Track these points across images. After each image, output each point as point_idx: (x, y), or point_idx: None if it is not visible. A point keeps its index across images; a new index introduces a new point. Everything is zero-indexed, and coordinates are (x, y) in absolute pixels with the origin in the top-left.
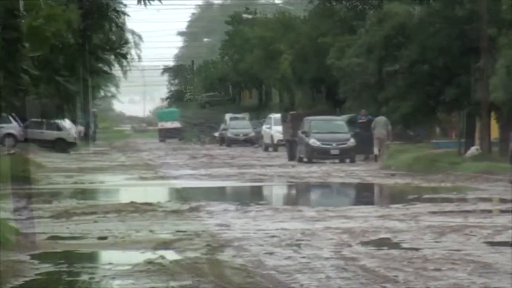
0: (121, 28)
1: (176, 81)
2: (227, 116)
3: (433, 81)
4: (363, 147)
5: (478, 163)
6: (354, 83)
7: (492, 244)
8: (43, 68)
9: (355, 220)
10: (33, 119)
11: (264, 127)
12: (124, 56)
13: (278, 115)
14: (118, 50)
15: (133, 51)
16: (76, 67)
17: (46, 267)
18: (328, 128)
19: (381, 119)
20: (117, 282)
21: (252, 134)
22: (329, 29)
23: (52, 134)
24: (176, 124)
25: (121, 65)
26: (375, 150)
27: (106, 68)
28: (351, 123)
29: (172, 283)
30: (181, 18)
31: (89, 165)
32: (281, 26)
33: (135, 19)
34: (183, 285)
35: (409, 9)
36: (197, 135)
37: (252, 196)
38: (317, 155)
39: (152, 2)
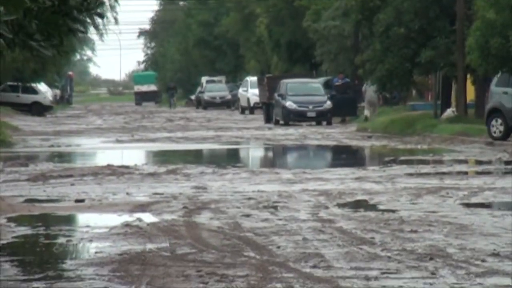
0: None
1: (153, 44)
2: (204, 79)
3: (409, 43)
4: (339, 110)
5: (454, 125)
6: (330, 46)
7: (468, 205)
8: (17, 32)
9: (332, 182)
10: (8, 83)
11: (241, 90)
12: (101, 15)
13: (254, 78)
14: (94, 11)
15: (109, 14)
16: (51, 31)
17: (23, 230)
18: (305, 90)
19: None
20: (94, 244)
21: (229, 97)
22: None
23: (28, 98)
24: (153, 88)
25: (97, 28)
26: (366, 112)
27: (81, 29)
28: (327, 85)
29: (149, 246)
30: None
31: (65, 128)
32: None
33: None
34: (160, 247)
35: None
36: (167, 99)
37: (228, 159)
38: (294, 118)
39: None
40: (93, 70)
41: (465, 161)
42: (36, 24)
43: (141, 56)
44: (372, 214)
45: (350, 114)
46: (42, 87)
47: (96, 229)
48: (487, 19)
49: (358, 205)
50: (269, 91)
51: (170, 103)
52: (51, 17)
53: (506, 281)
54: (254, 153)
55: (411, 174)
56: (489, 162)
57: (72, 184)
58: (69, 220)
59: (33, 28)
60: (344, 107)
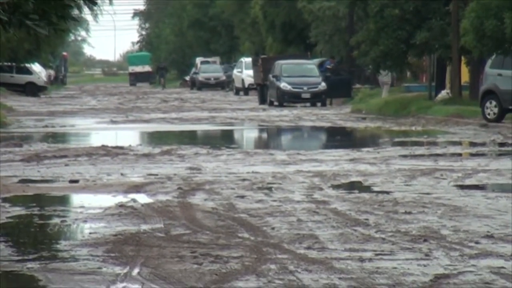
0: None
1: (147, 25)
2: (198, 60)
3: (404, 25)
4: (334, 91)
5: (448, 106)
6: (325, 27)
7: (462, 187)
8: (13, 12)
9: (326, 164)
10: (3, 63)
11: (235, 71)
12: (94, 2)
13: (249, 59)
14: None
15: None
16: (46, 11)
17: (17, 210)
18: (299, 72)
19: None
20: (88, 225)
21: (223, 78)
22: None
23: (22, 78)
24: (147, 68)
25: (91, 9)
26: (384, 93)
27: (76, 12)
28: (322, 67)
29: (143, 226)
30: None
31: (59, 108)
32: None
33: None
34: (154, 228)
35: None
36: (158, 79)
37: (223, 140)
38: (288, 99)
39: None
40: (87, 50)
41: (459, 143)
42: (32, 3)
43: (135, 37)
44: (366, 195)
45: (345, 96)
46: (36, 67)
47: (91, 209)
48: (482, 1)
49: (352, 186)
50: (264, 72)
51: (160, 83)
52: None
53: (499, 262)
54: (249, 134)
55: (405, 156)
56: (483, 144)
57: (67, 165)
58: (63, 200)
59: (29, 8)
60: (338, 88)
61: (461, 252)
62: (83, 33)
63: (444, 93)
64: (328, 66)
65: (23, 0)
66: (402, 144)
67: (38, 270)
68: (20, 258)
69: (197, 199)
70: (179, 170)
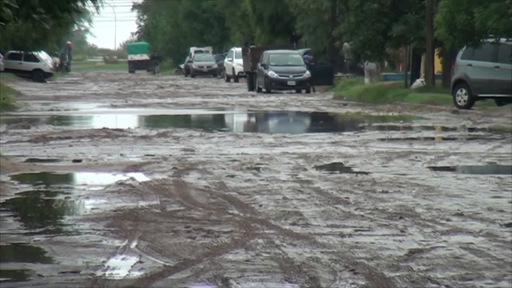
0: None
1: (145, 17)
2: (192, 49)
3: (382, 18)
4: (317, 79)
5: (423, 94)
6: (309, 19)
7: (434, 169)
8: (21, 5)
9: (310, 146)
10: (12, 51)
11: (226, 59)
12: None
13: (239, 49)
14: None
15: None
16: (51, 5)
17: (25, 187)
18: (285, 61)
19: None
20: (90, 201)
21: (215, 66)
22: None
23: (30, 65)
24: (145, 57)
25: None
26: (366, 80)
27: (80, 4)
28: (306, 56)
29: (141, 203)
30: None
31: (64, 93)
32: None
33: None
34: (151, 204)
35: None
36: (152, 67)
37: (215, 123)
38: (275, 86)
39: None
40: (90, 40)
41: (432, 128)
42: None
43: (134, 28)
44: (347, 175)
45: (327, 83)
46: (43, 55)
47: (92, 187)
48: None
49: (334, 167)
50: (253, 61)
51: (154, 71)
52: None
53: (468, 239)
54: (238, 118)
55: (383, 139)
56: (454, 129)
57: (70, 146)
58: (67, 178)
59: (35, 2)
60: (321, 76)
61: (434, 228)
62: (86, 24)
63: (418, 82)
64: (307, 61)
65: None
66: (380, 128)
67: (44, 242)
68: (27, 231)
69: (191, 178)
70: (174, 151)
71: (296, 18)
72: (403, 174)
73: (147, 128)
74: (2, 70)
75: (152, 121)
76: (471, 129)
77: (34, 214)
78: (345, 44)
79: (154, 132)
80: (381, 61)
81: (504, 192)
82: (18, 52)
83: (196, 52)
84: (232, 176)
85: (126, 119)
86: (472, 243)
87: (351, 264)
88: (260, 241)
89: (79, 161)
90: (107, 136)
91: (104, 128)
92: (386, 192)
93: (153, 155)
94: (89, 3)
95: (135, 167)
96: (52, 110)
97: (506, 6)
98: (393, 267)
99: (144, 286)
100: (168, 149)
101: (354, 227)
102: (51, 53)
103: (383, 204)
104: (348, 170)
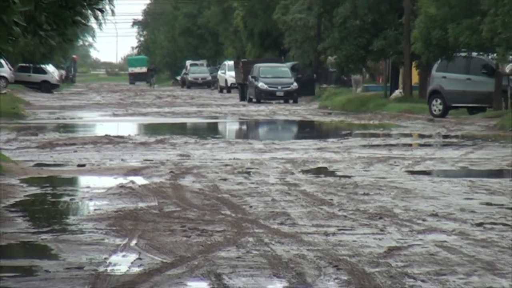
0: None
1: (144, 32)
2: (188, 62)
3: (363, 34)
4: (301, 90)
5: (401, 104)
6: (296, 35)
7: (412, 173)
8: (29, 22)
9: (297, 152)
10: (21, 64)
11: (220, 72)
12: (101, 10)
13: (231, 62)
14: (95, 6)
15: (107, 7)
16: (57, 23)
17: (33, 190)
18: (274, 73)
19: None
20: (93, 203)
21: (209, 78)
22: None
23: (38, 77)
24: (145, 69)
25: (96, 19)
26: (354, 89)
27: (84, 21)
28: (293, 69)
29: (140, 204)
30: None
31: (69, 103)
32: None
33: None
34: (150, 206)
35: None
36: (147, 79)
37: (208, 131)
38: (265, 96)
39: None
40: (93, 54)
41: (409, 135)
42: (45, 16)
43: (134, 43)
44: (331, 179)
45: (309, 94)
46: (50, 68)
47: (95, 189)
48: (429, 14)
49: (319, 171)
50: (244, 73)
51: (150, 82)
52: (58, 10)
53: (442, 237)
54: (231, 126)
55: (364, 146)
56: (429, 136)
57: (75, 151)
58: (72, 181)
59: (42, 20)
60: (305, 87)
61: (411, 228)
62: (90, 39)
63: (397, 93)
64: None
65: (37, 12)
66: (361, 135)
67: (51, 241)
68: (35, 230)
69: (186, 181)
70: (171, 157)
71: (284, 33)
72: (383, 178)
73: (146, 135)
74: (12, 82)
75: (150, 129)
76: (445, 136)
77: (42, 214)
78: (329, 57)
79: (152, 139)
80: (362, 74)
81: (475, 194)
82: (27, 65)
83: (191, 65)
84: (225, 179)
85: (127, 127)
86: (446, 241)
87: (334, 261)
88: (251, 239)
89: (83, 165)
90: (109, 143)
91: (106, 135)
92: (367, 194)
93: (152, 160)
94: (93, 20)
95: (135, 171)
96: (58, 118)
97: (477, 23)
98: (373, 263)
99: (143, 281)
100: (165, 155)
101: (338, 226)
102: (57, 66)
103: (364, 205)
104: (332, 174)
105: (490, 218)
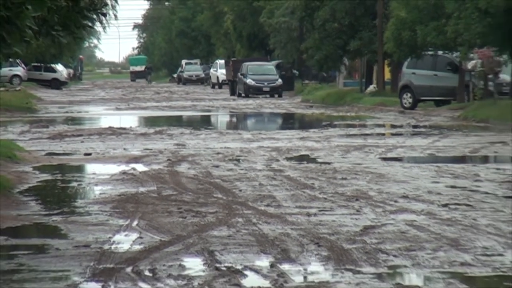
0: None
1: (144, 35)
2: (183, 61)
3: (341, 35)
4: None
5: (375, 97)
6: (281, 36)
7: (385, 159)
8: (42, 25)
9: (282, 141)
10: (34, 64)
11: (212, 70)
12: (105, 14)
13: (222, 61)
14: (99, 11)
15: (110, 12)
16: (67, 24)
17: (45, 176)
18: (261, 71)
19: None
20: (99, 187)
21: (203, 75)
22: None
23: (48, 75)
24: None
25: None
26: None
27: (90, 24)
28: (278, 67)
29: (141, 188)
30: None
31: (76, 98)
32: None
33: None
34: (149, 190)
35: None
36: (144, 76)
37: (202, 123)
38: (252, 92)
39: None
40: (98, 54)
41: (383, 125)
42: (57, 18)
43: (135, 44)
44: (312, 165)
45: (289, 89)
46: (59, 67)
47: (100, 175)
48: (400, 17)
49: (301, 158)
50: (234, 71)
51: (146, 79)
52: (67, 13)
53: (412, 217)
54: (222, 118)
55: (342, 135)
56: (401, 126)
57: (82, 142)
58: (79, 169)
59: (54, 21)
60: (285, 84)
61: (384, 208)
62: (95, 41)
63: (371, 87)
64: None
65: (50, 15)
66: (339, 126)
67: (61, 222)
68: (47, 213)
69: (182, 168)
70: (168, 146)
71: (269, 35)
72: (359, 164)
73: (146, 127)
74: (25, 80)
75: (150, 121)
76: (414, 126)
77: (52, 198)
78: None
79: (151, 130)
80: (341, 71)
81: (441, 178)
82: (39, 64)
83: (186, 63)
84: (217, 166)
85: (128, 119)
86: (415, 220)
87: (315, 238)
88: (240, 220)
89: (89, 154)
90: (112, 134)
91: (110, 127)
92: (345, 178)
93: (151, 149)
94: (98, 24)
95: (136, 159)
96: (66, 112)
97: (443, 25)
98: (350, 241)
99: (144, 257)
100: (163, 144)
101: (318, 207)
102: (66, 65)
103: (342, 188)
104: (313, 160)
105: (455, 200)
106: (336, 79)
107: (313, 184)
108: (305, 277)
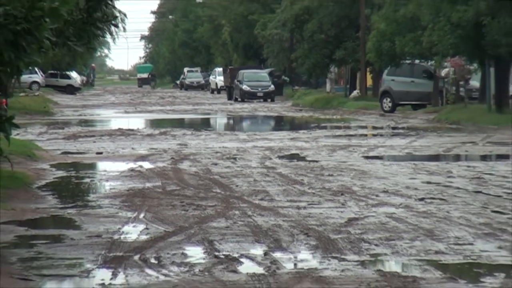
0: (113, 7)
1: (150, 45)
2: (185, 69)
3: (327, 45)
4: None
5: (358, 102)
6: (273, 47)
7: (367, 157)
8: (59, 36)
9: (274, 141)
10: (51, 71)
11: (211, 77)
12: (116, 25)
13: (220, 69)
14: (110, 23)
15: (120, 25)
16: (82, 35)
17: (61, 173)
18: (256, 78)
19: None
20: (109, 183)
21: (203, 82)
22: (256, 9)
23: (64, 82)
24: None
25: (111, 34)
26: (327, 87)
27: (102, 35)
28: (271, 74)
29: (147, 184)
30: (154, 1)
31: (89, 103)
32: (223, 7)
33: (121, 2)
34: (155, 185)
35: None
36: (149, 83)
37: (202, 125)
38: (248, 96)
39: None
40: (109, 62)
41: (365, 127)
42: (72, 29)
43: (142, 53)
44: (302, 163)
45: (279, 94)
46: (73, 74)
47: (111, 172)
48: (380, 29)
49: (292, 157)
50: (231, 78)
51: (151, 85)
52: (82, 25)
53: (392, 210)
54: (220, 121)
55: (328, 136)
56: (381, 128)
57: (94, 142)
58: (92, 166)
59: (70, 33)
60: (277, 89)
61: (366, 202)
62: (106, 50)
63: (355, 93)
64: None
65: (66, 27)
66: (326, 127)
67: (75, 214)
68: (62, 206)
69: (185, 165)
70: (172, 146)
71: (263, 45)
72: (344, 162)
73: (151, 128)
74: (43, 86)
75: (155, 123)
76: (394, 128)
77: (67, 193)
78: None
79: (157, 132)
80: (326, 78)
81: (418, 174)
82: (55, 72)
83: (188, 71)
84: (216, 164)
85: (136, 121)
86: (394, 213)
87: (305, 229)
88: (237, 212)
89: (101, 153)
90: (121, 135)
91: (119, 128)
92: (331, 175)
93: (156, 149)
94: (108, 36)
95: (143, 158)
96: (80, 115)
97: (419, 36)
98: (336, 231)
99: (150, 246)
100: (167, 144)
101: (307, 201)
102: (80, 73)
103: (328, 184)
104: (303, 159)
105: (430, 194)
106: (325, 85)
107: (302, 180)
108: (295, 264)
